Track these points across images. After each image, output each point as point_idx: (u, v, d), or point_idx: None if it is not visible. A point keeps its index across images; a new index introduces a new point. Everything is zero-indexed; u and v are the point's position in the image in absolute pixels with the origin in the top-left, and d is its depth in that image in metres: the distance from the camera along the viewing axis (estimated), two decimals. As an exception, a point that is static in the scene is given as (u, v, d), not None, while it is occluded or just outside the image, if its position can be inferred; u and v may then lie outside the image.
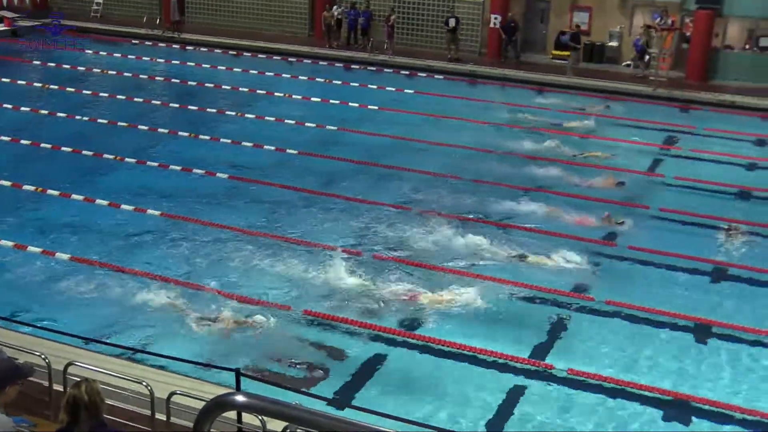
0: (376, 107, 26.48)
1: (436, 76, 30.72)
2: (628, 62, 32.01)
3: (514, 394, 12.09)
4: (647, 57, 31.09)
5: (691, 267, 16.18)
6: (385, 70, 31.39)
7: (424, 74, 30.90)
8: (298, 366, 12.39)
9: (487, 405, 11.82)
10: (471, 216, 18.25)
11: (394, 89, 28.74)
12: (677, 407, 11.94)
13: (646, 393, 12.18)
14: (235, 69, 30.83)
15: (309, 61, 32.39)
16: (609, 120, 25.98)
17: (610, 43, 32.64)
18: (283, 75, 30.31)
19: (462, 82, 30.33)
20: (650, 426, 11.52)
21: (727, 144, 24.04)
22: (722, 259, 16.76)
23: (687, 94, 28.70)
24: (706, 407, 11.90)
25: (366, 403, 10.96)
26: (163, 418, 9.75)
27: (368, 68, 31.57)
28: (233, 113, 25.45)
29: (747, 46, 30.98)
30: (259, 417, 8.69)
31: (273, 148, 22.15)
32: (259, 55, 32.95)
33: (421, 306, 14.22)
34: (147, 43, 34.13)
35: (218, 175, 20.17)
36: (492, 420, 11.49)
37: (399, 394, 11.86)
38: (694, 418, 11.74)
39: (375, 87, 29.03)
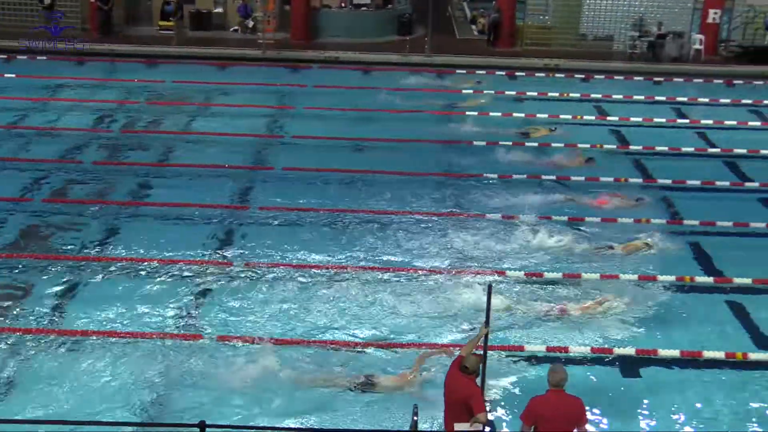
0: (-27, 97, 24.52)
1: (39, 58, 29.06)
2: (235, 27, 32.74)
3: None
4: (252, 21, 32.10)
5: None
6: (-22, 55, 29.15)
7: (24, 57, 29.09)
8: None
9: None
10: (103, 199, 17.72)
11: (-8, 75, 26.81)
12: None
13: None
14: None
15: None
16: (221, 87, 26.39)
17: (216, 10, 33.13)
18: None
19: (69, 62, 28.99)
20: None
21: (335, 98, 25.36)
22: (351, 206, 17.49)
23: (295, 54, 29.99)
24: None
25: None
26: None
27: (-43, 55, 29.11)
28: None
29: (343, 5, 32.99)
30: None
31: None
32: None
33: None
34: None
35: None
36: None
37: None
38: None
39: (-30, 75, 26.87)
